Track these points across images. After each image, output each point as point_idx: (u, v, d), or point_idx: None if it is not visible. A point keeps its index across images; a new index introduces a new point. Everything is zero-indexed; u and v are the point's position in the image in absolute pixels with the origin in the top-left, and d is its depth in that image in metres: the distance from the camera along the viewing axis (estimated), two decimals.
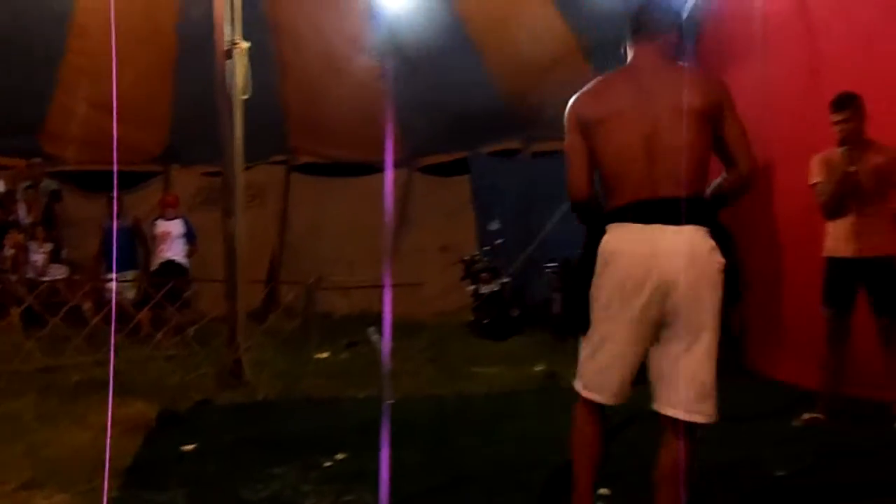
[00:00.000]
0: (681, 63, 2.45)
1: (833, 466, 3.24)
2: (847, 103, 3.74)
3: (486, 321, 7.11)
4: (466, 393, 4.94)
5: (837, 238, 3.83)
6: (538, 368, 5.34)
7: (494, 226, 7.54)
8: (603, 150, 2.42)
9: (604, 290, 2.35)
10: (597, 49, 7.15)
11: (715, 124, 2.32)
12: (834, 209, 3.81)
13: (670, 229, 2.26)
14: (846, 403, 3.95)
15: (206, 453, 3.56)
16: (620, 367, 2.36)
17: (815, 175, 3.88)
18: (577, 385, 2.48)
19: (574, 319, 2.48)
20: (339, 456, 3.51)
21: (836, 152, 3.75)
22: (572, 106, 2.56)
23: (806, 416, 3.96)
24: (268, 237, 9.34)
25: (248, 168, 9.24)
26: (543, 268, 7.26)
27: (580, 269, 2.42)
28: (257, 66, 7.26)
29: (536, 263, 7.36)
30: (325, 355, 6.16)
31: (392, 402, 4.64)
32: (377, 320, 7.47)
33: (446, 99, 8.13)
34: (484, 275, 7.19)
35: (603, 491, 3.02)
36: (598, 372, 2.41)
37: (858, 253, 3.74)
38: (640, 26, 2.48)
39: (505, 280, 7.17)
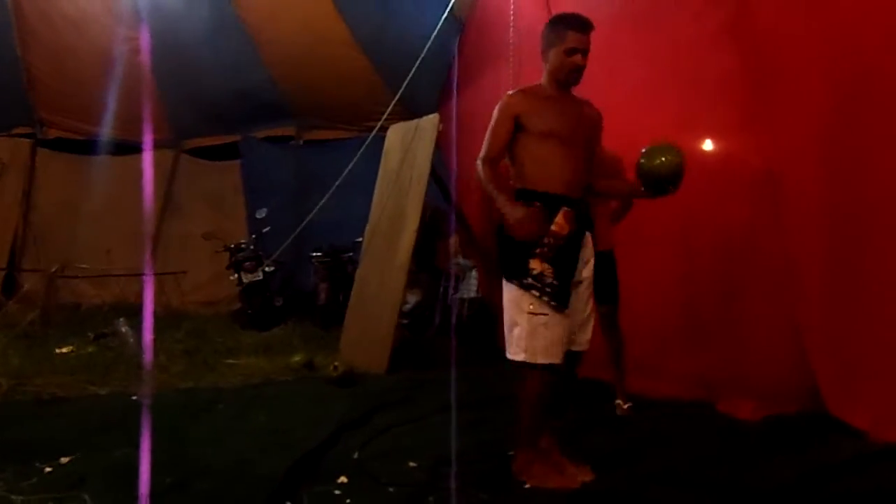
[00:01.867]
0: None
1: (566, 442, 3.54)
2: None
3: (249, 311, 6.96)
4: (219, 385, 4.80)
5: None
6: (296, 358, 5.31)
7: (262, 213, 7.37)
8: None
9: None
10: (369, 39, 7.24)
11: None
12: None
13: None
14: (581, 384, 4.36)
15: None
16: None
17: None
18: None
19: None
20: (64, 460, 3.25)
21: None
22: None
23: None
24: (9, 218, 8.42)
25: None
26: (309, 257, 7.24)
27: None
28: None
29: (303, 252, 7.31)
30: (67, 350, 5.68)
31: (137, 397, 4.43)
32: (132, 311, 7.08)
33: (217, 80, 7.81)
34: (248, 264, 7.01)
35: (342, 479, 3.09)
36: None
37: None
38: None
39: (269, 269, 7.05)
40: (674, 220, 4.38)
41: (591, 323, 3.25)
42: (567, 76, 3.06)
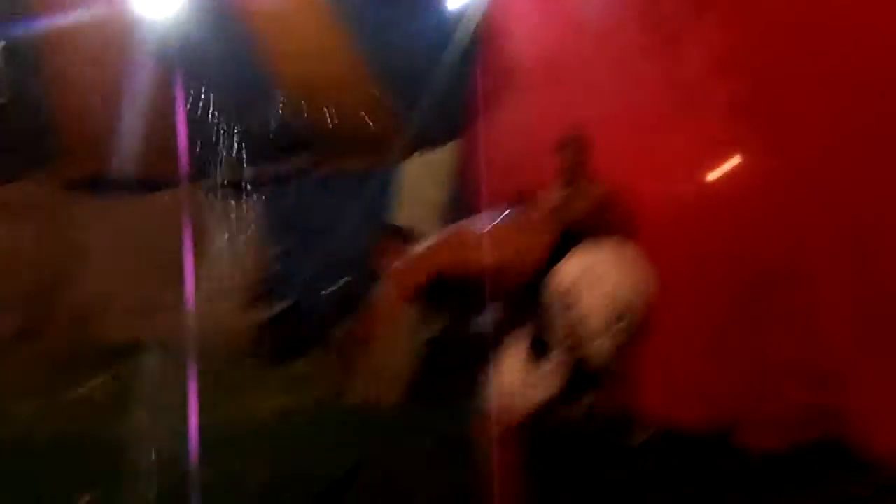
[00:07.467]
0: None
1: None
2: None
3: (270, 345, 6.93)
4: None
5: None
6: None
7: (282, 247, 7.38)
8: None
9: None
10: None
11: None
12: None
13: None
14: None
15: None
16: None
17: None
18: None
19: None
20: None
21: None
22: None
23: None
24: None
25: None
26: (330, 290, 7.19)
27: None
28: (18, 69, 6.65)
29: (324, 285, 7.27)
30: None
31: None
32: None
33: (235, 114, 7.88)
34: (266, 297, 7.01)
35: None
36: None
37: None
38: None
39: (289, 302, 7.03)
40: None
41: None
42: None
